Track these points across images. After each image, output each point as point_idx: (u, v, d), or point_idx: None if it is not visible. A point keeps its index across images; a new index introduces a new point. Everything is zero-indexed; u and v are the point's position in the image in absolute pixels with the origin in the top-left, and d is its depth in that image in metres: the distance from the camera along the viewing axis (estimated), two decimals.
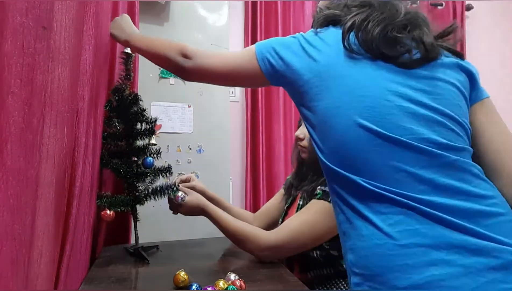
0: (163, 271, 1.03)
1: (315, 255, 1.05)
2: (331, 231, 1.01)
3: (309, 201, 1.08)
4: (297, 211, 1.14)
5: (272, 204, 1.34)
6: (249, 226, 1.09)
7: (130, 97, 1.12)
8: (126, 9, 1.42)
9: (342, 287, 1.04)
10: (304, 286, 0.90)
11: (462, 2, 2.96)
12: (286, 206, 1.26)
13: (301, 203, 1.15)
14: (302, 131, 1.16)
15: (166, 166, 1.17)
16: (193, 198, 1.14)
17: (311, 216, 1.02)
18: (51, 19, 0.56)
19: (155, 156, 1.15)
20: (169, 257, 1.18)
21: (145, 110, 1.14)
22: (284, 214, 1.26)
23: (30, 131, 0.49)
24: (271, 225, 1.32)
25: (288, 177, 1.32)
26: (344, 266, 1.02)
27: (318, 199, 1.04)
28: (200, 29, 1.75)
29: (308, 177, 1.17)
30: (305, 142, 1.15)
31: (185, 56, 0.84)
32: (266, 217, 1.33)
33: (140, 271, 1.05)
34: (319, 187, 1.07)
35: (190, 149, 1.69)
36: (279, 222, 1.26)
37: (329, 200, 1.00)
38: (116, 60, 1.29)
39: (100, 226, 1.24)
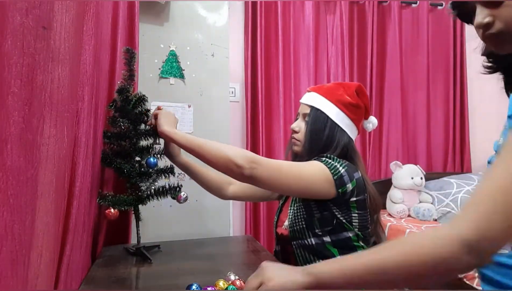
0: (163, 271, 1.03)
1: (311, 242, 1.06)
2: (318, 184, 1.00)
3: None
4: (291, 204, 1.13)
5: None
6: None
7: (135, 98, 1.12)
8: (126, 9, 1.42)
9: None
10: None
11: None
12: (281, 203, 1.26)
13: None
14: (298, 125, 1.17)
15: (169, 166, 1.17)
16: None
17: (304, 165, 1.03)
18: (51, 19, 0.56)
19: (158, 156, 1.15)
20: (169, 257, 1.18)
21: (149, 110, 1.15)
22: (279, 211, 1.25)
23: (30, 131, 0.49)
24: (250, 196, 1.31)
25: None
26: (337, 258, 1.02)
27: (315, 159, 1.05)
28: (200, 29, 1.75)
29: None
30: (299, 136, 1.16)
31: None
32: (249, 187, 1.28)
33: (140, 271, 1.05)
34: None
35: None
36: (274, 220, 1.25)
37: (323, 161, 1.03)
38: (117, 60, 1.29)
39: (101, 226, 1.24)
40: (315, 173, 1.01)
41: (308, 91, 1.21)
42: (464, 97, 2.96)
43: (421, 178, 2.46)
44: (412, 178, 2.45)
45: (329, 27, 2.77)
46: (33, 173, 0.51)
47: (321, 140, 1.11)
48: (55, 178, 0.64)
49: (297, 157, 1.21)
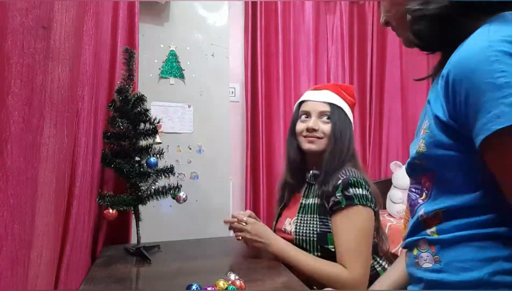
0: (163, 271, 1.03)
1: (317, 255, 1.05)
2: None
3: (326, 200, 1.05)
4: (300, 210, 1.11)
5: None
6: (328, 266, 1.02)
7: (134, 98, 1.12)
8: (126, 9, 1.42)
9: None
10: (304, 286, 0.90)
11: None
12: (280, 207, 1.24)
13: (309, 202, 1.12)
14: (315, 123, 1.13)
15: (169, 166, 1.17)
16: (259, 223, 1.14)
17: (361, 228, 1.01)
18: (51, 19, 0.56)
19: (157, 156, 1.15)
20: (168, 257, 1.18)
21: (148, 110, 1.15)
22: (278, 216, 1.24)
23: (30, 131, 0.49)
24: None
25: (281, 181, 1.26)
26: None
27: (349, 205, 1.01)
28: (200, 29, 1.75)
29: (307, 174, 1.16)
30: (319, 133, 1.12)
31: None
32: None
33: (140, 271, 1.05)
34: (339, 194, 1.02)
35: (190, 149, 1.69)
36: (273, 225, 1.24)
37: (361, 203, 1.01)
38: (117, 59, 1.29)
39: (101, 226, 1.24)
40: (370, 227, 1.03)
41: (316, 89, 1.20)
42: None
43: None
44: None
45: (329, 27, 2.77)
46: (33, 173, 0.51)
47: (346, 139, 1.11)
48: (55, 178, 0.64)
49: (304, 156, 1.18)
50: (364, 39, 2.79)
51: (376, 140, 2.84)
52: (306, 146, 1.14)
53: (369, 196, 1.03)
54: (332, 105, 1.13)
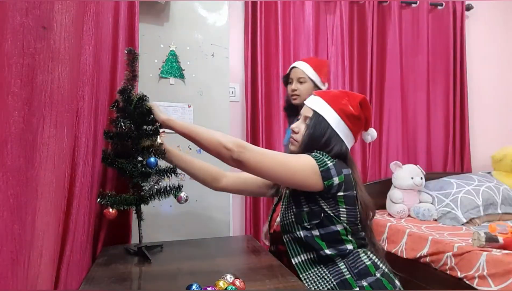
0: (163, 271, 1.03)
1: (300, 235, 1.07)
2: (304, 174, 1.04)
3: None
4: (283, 200, 1.15)
5: (253, 178, 1.29)
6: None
7: (137, 98, 1.12)
8: (126, 9, 1.42)
9: (325, 275, 1.05)
10: (304, 286, 0.90)
11: (462, 2, 2.96)
12: (275, 203, 1.28)
13: (287, 190, 1.16)
14: (298, 126, 1.18)
15: (170, 166, 1.18)
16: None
17: (291, 155, 1.08)
18: (51, 19, 0.56)
19: (159, 156, 1.16)
20: (168, 257, 1.18)
21: (152, 110, 1.15)
22: (273, 211, 1.26)
23: (30, 131, 0.49)
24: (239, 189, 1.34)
25: None
26: (325, 251, 1.04)
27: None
28: (200, 29, 1.75)
29: None
30: (298, 136, 1.17)
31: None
32: (240, 181, 1.32)
33: (140, 271, 1.05)
34: None
35: (190, 149, 1.68)
36: (268, 220, 1.26)
37: (312, 155, 1.07)
38: (118, 60, 1.29)
39: (101, 226, 1.24)
40: (301, 163, 1.06)
41: (314, 95, 1.22)
42: (464, 97, 2.95)
43: (421, 178, 2.46)
44: (412, 178, 2.45)
45: (329, 27, 2.77)
46: (33, 173, 0.51)
47: (317, 144, 1.12)
48: (55, 178, 0.64)
49: None
50: (364, 39, 2.78)
51: (376, 141, 2.84)
52: (289, 146, 1.21)
53: (326, 161, 1.06)
54: (314, 111, 1.15)
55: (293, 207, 1.10)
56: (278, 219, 1.16)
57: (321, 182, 1.04)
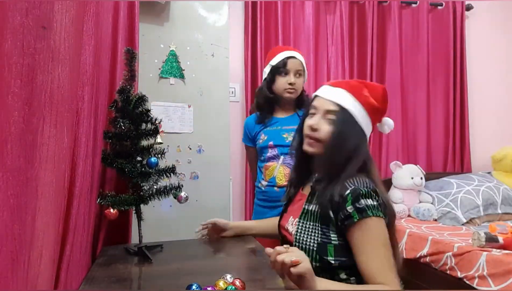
0: (163, 271, 1.03)
1: (314, 265, 0.93)
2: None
3: (334, 212, 0.96)
4: (302, 216, 1.03)
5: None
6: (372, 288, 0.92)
7: (136, 98, 1.13)
8: (126, 9, 1.42)
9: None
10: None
11: (462, 2, 2.96)
12: (285, 203, 1.20)
13: (311, 208, 1.02)
14: (317, 122, 1.02)
15: (170, 166, 1.17)
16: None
17: (384, 241, 0.95)
18: (51, 19, 0.56)
19: (159, 156, 1.16)
20: (168, 257, 1.18)
21: (150, 110, 1.15)
22: (283, 211, 1.18)
23: (30, 131, 0.49)
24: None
25: (289, 176, 1.21)
26: (340, 276, 0.96)
27: (363, 218, 0.92)
28: (200, 29, 1.75)
29: (312, 176, 1.09)
30: (319, 135, 1.01)
31: None
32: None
33: (140, 270, 1.05)
34: (349, 207, 0.93)
35: (190, 149, 1.69)
36: (278, 219, 1.21)
37: (374, 214, 0.92)
38: (117, 59, 1.29)
39: (101, 226, 1.24)
40: (387, 243, 0.96)
41: (331, 85, 1.06)
42: (464, 97, 2.96)
43: (421, 178, 2.46)
44: (412, 178, 2.45)
45: (329, 27, 2.77)
46: (33, 173, 0.51)
47: (347, 147, 0.99)
48: (55, 178, 0.64)
49: (306, 158, 1.09)
50: (364, 39, 2.79)
51: (376, 140, 2.84)
52: (305, 147, 1.05)
53: (379, 206, 0.95)
54: (339, 106, 1.00)
55: (318, 235, 0.97)
56: (290, 229, 1.06)
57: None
